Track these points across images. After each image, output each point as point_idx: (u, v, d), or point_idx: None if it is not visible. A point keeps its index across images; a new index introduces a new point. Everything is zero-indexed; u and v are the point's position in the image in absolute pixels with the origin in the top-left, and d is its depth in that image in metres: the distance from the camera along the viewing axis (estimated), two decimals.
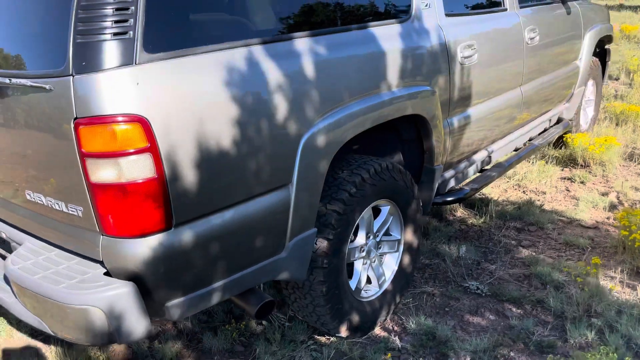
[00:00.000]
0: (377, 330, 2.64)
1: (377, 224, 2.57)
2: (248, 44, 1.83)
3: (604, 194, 4.06)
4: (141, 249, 1.63)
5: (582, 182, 4.27)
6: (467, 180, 3.34)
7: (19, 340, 2.63)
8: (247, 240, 1.92)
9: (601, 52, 5.16)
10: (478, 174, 3.43)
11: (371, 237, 2.55)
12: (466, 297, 2.90)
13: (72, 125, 1.54)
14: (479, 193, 4.15)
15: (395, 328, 2.67)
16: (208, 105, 1.70)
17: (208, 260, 1.80)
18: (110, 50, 1.51)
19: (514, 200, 4.03)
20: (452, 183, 3.24)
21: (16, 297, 1.84)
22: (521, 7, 3.47)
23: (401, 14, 2.51)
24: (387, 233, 2.69)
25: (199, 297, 1.84)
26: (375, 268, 2.62)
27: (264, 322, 2.67)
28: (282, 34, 1.97)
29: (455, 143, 2.96)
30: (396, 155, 2.90)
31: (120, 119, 1.52)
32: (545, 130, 4.33)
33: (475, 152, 3.29)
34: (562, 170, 4.59)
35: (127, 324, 1.66)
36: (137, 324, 1.68)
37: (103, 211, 1.62)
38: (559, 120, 4.51)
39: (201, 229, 1.75)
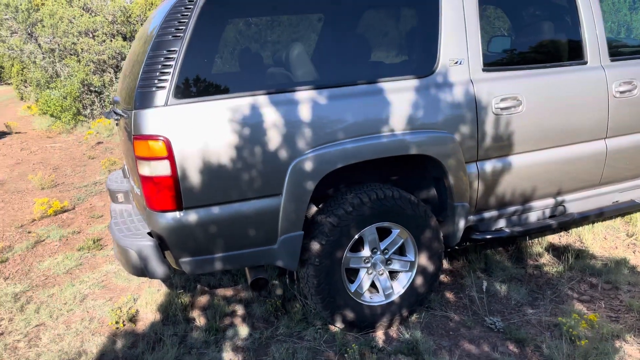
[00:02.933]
0: (378, 333, 3.12)
1: (385, 243, 3.07)
2: (254, 94, 2.66)
3: None
4: (161, 220, 2.61)
5: None
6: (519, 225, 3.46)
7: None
8: (241, 229, 2.73)
9: None
10: (537, 220, 3.50)
11: (378, 252, 3.07)
12: (478, 328, 3.13)
13: (132, 139, 2.61)
14: (581, 245, 4.08)
15: (394, 335, 3.11)
16: (213, 133, 2.58)
17: (209, 236, 2.68)
18: (152, 97, 2.53)
19: (613, 257, 3.84)
20: (501, 223, 3.44)
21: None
22: (614, 60, 3.43)
23: (421, 70, 2.97)
24: (402, 253, 3.15)
25: (204, 261, 2.73)
26: (382, 280, 3.12)
27: (297, 305, 3.40)
28: (286, 87, 2.73)
29: (490, 186, 3.20)
30: (430, 191, 3.31)
31: (152, 137, 2.53)
32: None
33: (530, 199, 3.40)
34: None
35: (150, 265, 2.66)
36: (157, 268, 2.66)
37: (145, 193, 2.64)
38: None
39: (203, 214, 2.64)
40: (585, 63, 3.37)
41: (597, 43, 3.38)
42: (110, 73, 11.35)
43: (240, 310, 3.46)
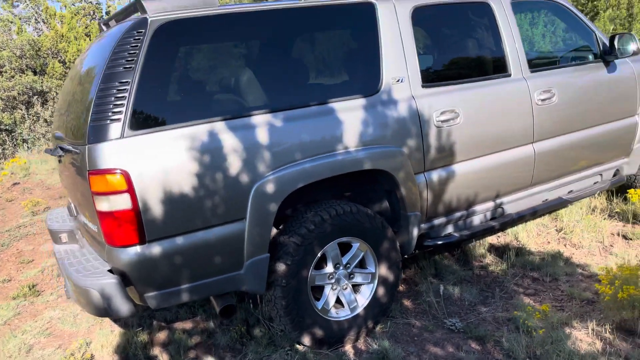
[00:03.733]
0: (347, 347, 3.17)
1: (346, 257, 3.14)
2: (210, 121, 2.67)
3: None
4: (123, 255, 2.53)
5: (629, 239, 4.18)
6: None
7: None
8: (207, 257, 2.70)
9: None
10: (481, 223, 3.73)
11: (340, 267, 3.13)
12: (440, 331, 3.26)
13: (87, 174, 2.53)
14: (518, 243, 4.36)
15: (362, 347, 3.17)
16: (173, 163, 2.56)
17: (174, 268, 2.63)
18: (107, 130, 2.48)
19: (548, 251, 4.14)
20: (449, 229, 3.63)
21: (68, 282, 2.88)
22: (534, 71, 3.75)
23: (367, 90, 3.11)
24: (362, 266, 3.24)
25: (170, 294, 2.67)
26: (346, 294, 3.18)
27: (262, 329, 3.39)
28: (241, 112, 2.77)
29: (438, 195, 3.38)
30: (383, 203, 3.43)
31: (110, 171, 2.46)
32: (594, 184, 4.36)
33: (474, 204, 3.62)
34: (624, 226, 4.49)
35: (114, 304, 2.55)
36: (122, 305, 2.56)
37: (104, 229, 2.55)
38: (616, 175, 4.48)
39: (168, 245, 2.59)
40: (510, 75, 3.66)
41: (517, 57, 3.69)
42: (21, 110, 10.74)
43: (203, 341, 3.39)
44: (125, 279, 2.57)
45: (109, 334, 3.52)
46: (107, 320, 3.80)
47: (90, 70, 2.85)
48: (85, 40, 12.74)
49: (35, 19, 14.01)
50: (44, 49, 11.46)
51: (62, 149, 2.87)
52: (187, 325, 3.61)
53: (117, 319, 3.74)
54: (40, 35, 12.77)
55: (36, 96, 10.94)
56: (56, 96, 11.90)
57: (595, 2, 8.54)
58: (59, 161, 3.19)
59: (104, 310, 2.58)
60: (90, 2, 16.10)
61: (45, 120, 11.58)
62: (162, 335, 3.50)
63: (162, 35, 2.64)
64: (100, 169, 2.48)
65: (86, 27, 14.44)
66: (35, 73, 11.32)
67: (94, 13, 16.25)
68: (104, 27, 3.55)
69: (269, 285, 2.94)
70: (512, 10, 3.75)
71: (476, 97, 3.47)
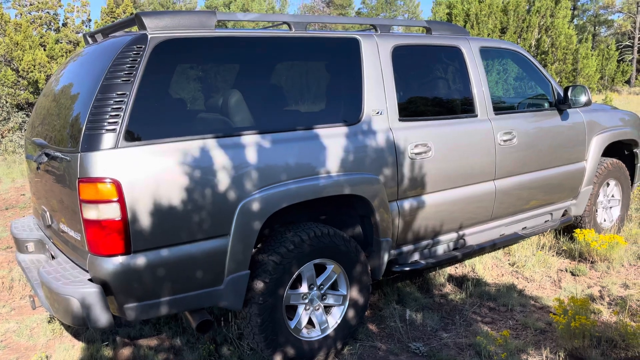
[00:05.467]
0: None
1: (321, 278, 3.24)
2: (203, 137, 2.74)
3: (590, 287, 4.26)
4: (107, 265, 2.53)
5: (575, 275, 4.49)
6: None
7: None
8: (189, 271, 2.73)
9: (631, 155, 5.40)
10: (444, 252, 3.93)
11: (314, 288, 3.22)
12: (404, 354, 3.38)
13: (77, 182, 2.53)
14: (474, 275, 4.58)
15: None
16: (163, 176, 2.60)
17: (156, 280, 2.64)
18: (101, 140, 2.50)
19: (503, 283, 4.38)
20: (416, 256, 3.80)
21: (42, 290, 2.82)
22: (497, 114, 4.05)
23: (349, 119, 3.28)
24: (335, 288, 3.34)
25: (149, 306, 2.67)
26: (318, 315, 3.26)
27: (231, 348, 3.40)
28: (232, 131, 2.86)
29: (408, 223, 3.56)
30: (357, 228, 3.57)
31: (101, 180, 2.48)
32: (546, 222, 4.68)
33: (439, 234, 3.82)
34: (570, 262, 4.81)
35: (94, 314, 2.53)
36: (101, 316, 2.55)
37: (89, 237, 2.55)
38: (565, 215, 4.82)
39: (152, 257, 2.61)
40: (476, 116, 3.94)
41: (484, 100, 3.98)
42: None
43: (171, 358, 3.36)
44: (105, 288, 2.56)
45: (70, 349, 3.43)
46: (66, 334, 3.70)
47: (82, 80, 2.87)
48: (40, 50, 12.43)
49: None
50: None
51: (47, 155, 2.85)
52: (152, 342, 3.57)
53: (78, 334, 3.65)
54: None
55: None
56: (6, 104, 11.49)
57: (543, 56, 9.21)
58: (37, 168, 3.15)
59: (82, 319, 2.55)
60: (48, 12, 15.78)
61: None
62: (126, 352, 3.45)
63: (160, 52, 2.71)
64: (92, 177, 2.49)
65: (41, 37, 14.11)
66: None
67: (50, 23, 15.91)
68: (89, 40, 3.57)
69: (245, 302, 2.98)
70: (480, 56, 4.06)
71: (446, 133, 3.70)
